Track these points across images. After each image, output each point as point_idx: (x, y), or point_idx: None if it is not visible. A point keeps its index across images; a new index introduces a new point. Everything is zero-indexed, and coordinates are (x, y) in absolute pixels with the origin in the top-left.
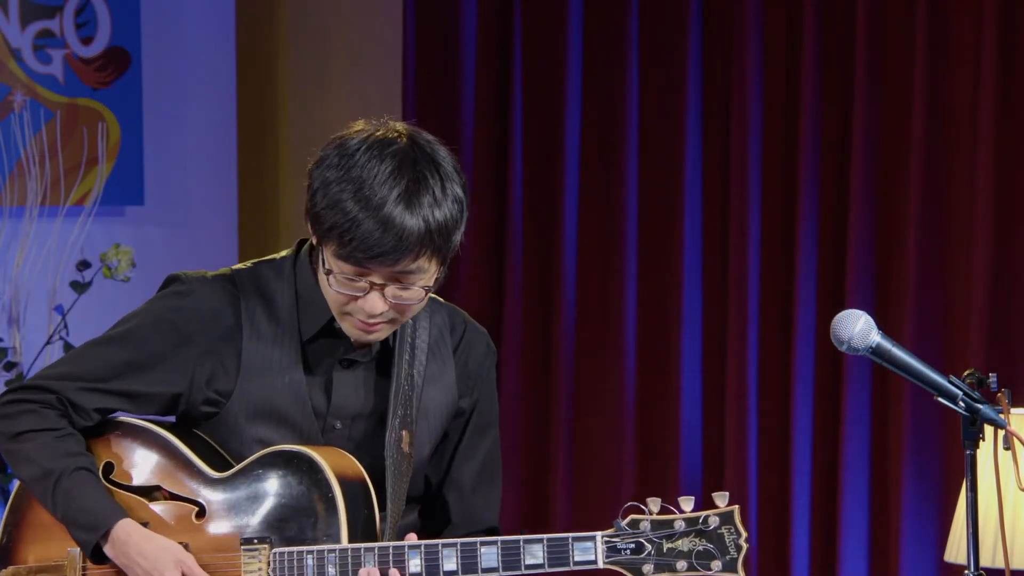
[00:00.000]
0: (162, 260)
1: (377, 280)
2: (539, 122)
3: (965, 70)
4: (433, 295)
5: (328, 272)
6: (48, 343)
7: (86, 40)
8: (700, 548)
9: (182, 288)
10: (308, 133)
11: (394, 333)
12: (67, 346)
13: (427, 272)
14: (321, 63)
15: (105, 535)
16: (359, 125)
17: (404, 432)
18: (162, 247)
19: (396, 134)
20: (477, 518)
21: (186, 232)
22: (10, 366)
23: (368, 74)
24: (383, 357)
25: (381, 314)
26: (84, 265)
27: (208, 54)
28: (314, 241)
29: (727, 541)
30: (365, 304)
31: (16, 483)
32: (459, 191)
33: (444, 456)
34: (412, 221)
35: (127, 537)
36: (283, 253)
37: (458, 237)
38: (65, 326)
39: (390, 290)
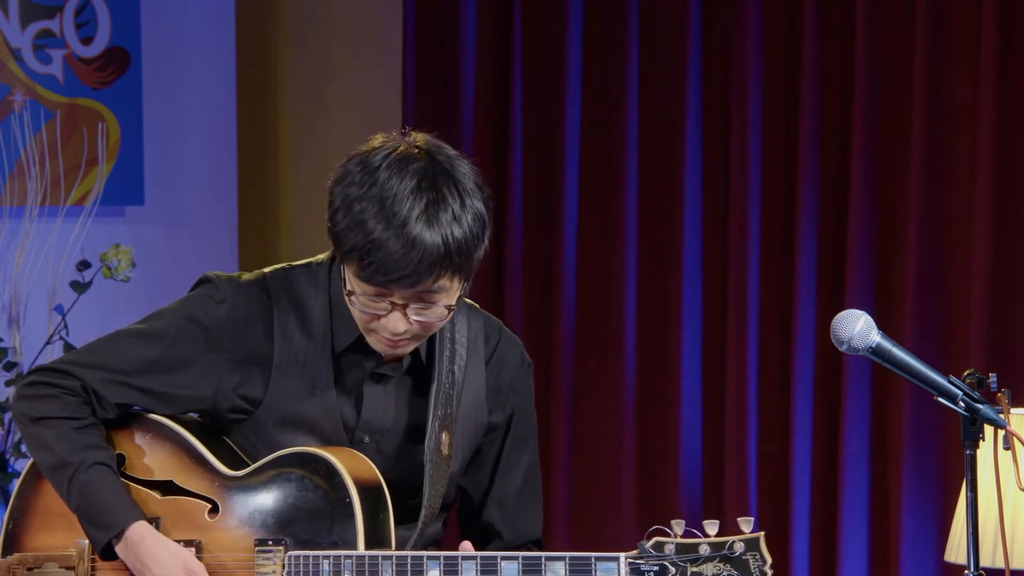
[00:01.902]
0: (162, 260)
1: (398, 300)
2: (539, 122)
3: (965, 70)
4: (468, 300)
5: (350, 293)
6: (48, 343)
7: (86, 40)
8: (725, 573)
9: (216, 294)
10: (308, 133)
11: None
12: (67, 346)
13: (449, 291)
14: (321, 63)
15: (118, 535)
16: (378, 140)
17: (444, 434)
18: (162, 247)
19: (416, 150)
20: (523, 531)
21: (186, 232)
22: (10, 366)
23: (368, 74)
24: (414, 371)
25: (405, 331)
26: (84, 265)
27: (208, 54)
28: (338, 259)
29: (752, 567)
30: (387, 323)
31: (16, 481)
32: (480, 206)
33: (484, 471)
34: (432, 241)
35: (140, 540)
36: (320, 258)
37: (480, 253)
38: (65, 326)
39: (412, 309)
